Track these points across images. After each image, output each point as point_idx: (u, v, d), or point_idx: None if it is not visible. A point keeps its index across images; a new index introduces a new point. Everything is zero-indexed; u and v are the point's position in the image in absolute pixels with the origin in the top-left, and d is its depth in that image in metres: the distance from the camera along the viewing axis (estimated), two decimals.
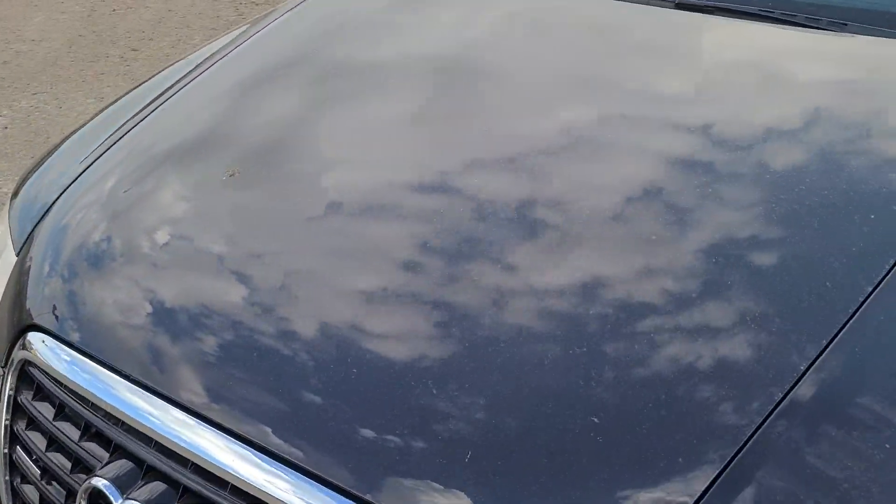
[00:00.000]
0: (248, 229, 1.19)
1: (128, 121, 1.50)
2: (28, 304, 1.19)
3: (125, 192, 1.31)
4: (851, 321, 0.93)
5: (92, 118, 1.67)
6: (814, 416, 0.87)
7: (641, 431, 0.88)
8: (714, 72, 1.49)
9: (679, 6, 1.63)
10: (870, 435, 0.87)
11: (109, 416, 1.04)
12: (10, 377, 1.13)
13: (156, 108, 1.52)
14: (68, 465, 1.06)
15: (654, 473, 0.85)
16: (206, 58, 1.68)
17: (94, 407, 1.05)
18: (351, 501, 0.86)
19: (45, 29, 4.89)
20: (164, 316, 1.11)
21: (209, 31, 4.94)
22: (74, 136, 1.61)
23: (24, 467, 1.11)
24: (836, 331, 0.92)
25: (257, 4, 5.48)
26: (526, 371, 0.94)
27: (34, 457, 1.10)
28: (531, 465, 0.87)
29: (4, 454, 1.14)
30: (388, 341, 1.01)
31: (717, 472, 0.83)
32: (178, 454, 0.96)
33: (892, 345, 0.93)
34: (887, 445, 0.84)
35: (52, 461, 1.07)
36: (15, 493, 1.14)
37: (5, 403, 1.13)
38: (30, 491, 1.12)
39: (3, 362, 1.15)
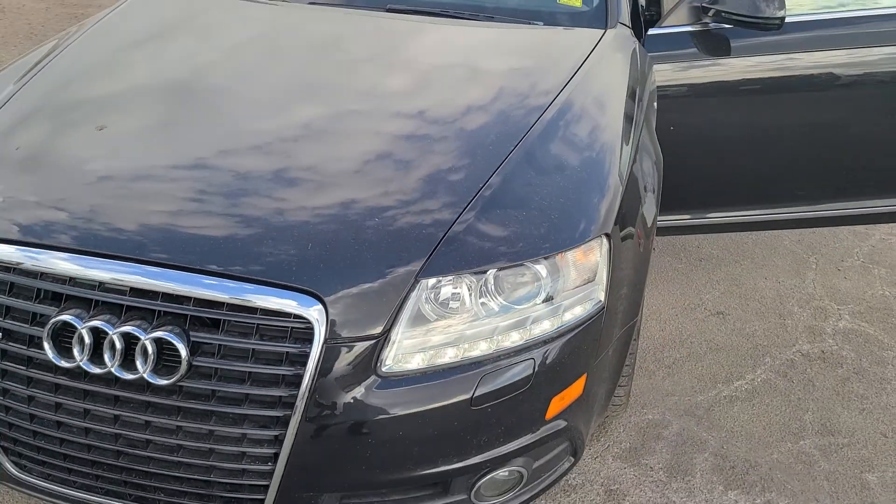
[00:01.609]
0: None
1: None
2: None
3: (17, 149, 1.80)
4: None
5: None
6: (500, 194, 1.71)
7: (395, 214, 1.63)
8: (414, 64, 2.29)
9: (390, 10, 2.45)
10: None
11: (50, 279, 1.55)
12: None
13: (22, 88, 2.08)
14: (27, 326, 1.55)
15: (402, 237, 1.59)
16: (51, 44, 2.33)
17: (37, 276, 1.56)
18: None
19: None
20: (64, 200, 1.69)
21: None
22: None
23: None
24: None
25: None
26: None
27: None
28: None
29: None
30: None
31: (446, 229, 1.60)
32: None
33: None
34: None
35: (12, 326, 1.56)
36: None
37: None
38: None
39: None
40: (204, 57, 2.29)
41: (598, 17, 2.55)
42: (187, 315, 1.52)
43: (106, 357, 1.51)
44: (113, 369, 1.51)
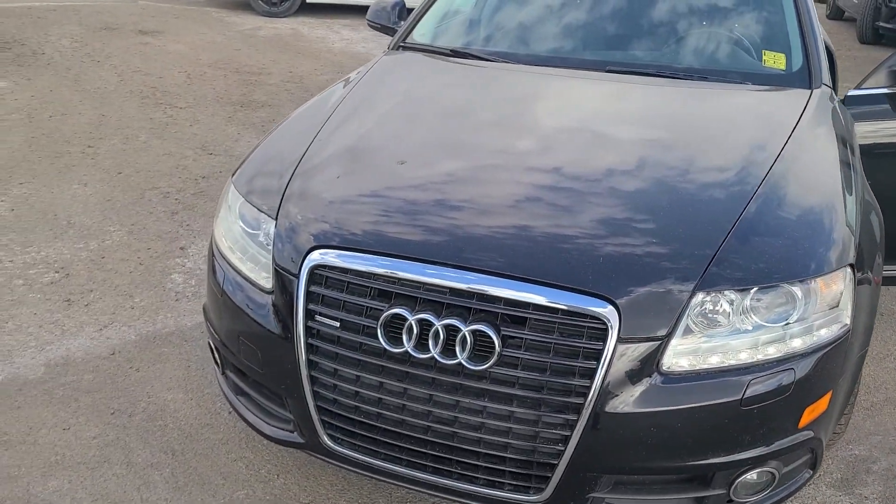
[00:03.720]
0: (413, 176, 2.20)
1: (303, 135, 2.45)
2: (304, 235, 2.00)
3: (337, 177, 2.17)
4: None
5: (269, 135, 2.59)
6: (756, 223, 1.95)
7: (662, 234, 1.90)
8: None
9: (609, 71, 2.76)
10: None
11: (381, 280, 1.87)
12: (303, 278, 1.93)
13: (322, 128, 2.47)
14: (360, 317, 1.88)
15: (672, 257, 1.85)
16: (336, 97, 2.74)
17: (370, 277, 1.88)
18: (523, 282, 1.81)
19: None
20: (385, 216, 2.02)
21: (148, 130, 5.63)
22: (264, 143, 2.53)
23: (324, 326, 1.91)
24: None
25: (181, 108, 6.23)
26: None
27: (332, 319, 1.90)
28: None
29: (304, 325, 1.92)
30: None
31: (716, 249, 1.85)
32: (429, 288, 1.84)
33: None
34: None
35: (347, 318, 1.89)
36: (311, 348, 1.93)
37: (303, 294, 1.93)
38: (328, 340, 1.91)
39: (297, 272, 1.95)
40: (475, 108, 2.66)
41: (803, 79, 2.79)
42: (497, 312, 1.81)
43: (430, 344, 1.81)
44: (436, 355, 1.81)
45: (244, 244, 2.19)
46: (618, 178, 2.16)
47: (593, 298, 1.78)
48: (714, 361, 1.82)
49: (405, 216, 2.03)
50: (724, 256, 1.86)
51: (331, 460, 2.06)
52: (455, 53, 3.06)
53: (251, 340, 2.08)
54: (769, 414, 1.82)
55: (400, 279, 1.87)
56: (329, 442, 2.02)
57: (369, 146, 2.38)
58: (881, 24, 10.39)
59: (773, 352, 1.84)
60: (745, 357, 1.82)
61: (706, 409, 1.78)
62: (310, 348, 1.95)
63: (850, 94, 2.90)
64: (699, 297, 1.81)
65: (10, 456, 2.39)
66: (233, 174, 2.42)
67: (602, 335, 1.76)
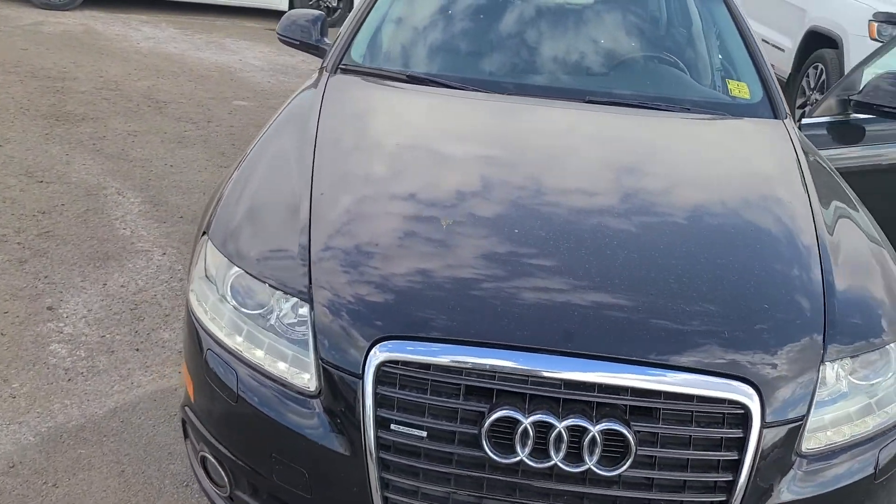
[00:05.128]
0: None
1: (292, 182, 2.01)
2: (363, 323, 1.59)
3: (376, 245, 1.76)
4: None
5: (233, 177, 2.11)
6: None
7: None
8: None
9: (589, 101, 2.57)
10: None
11: (474, 375, 1.53)
12: (369, 378, 1.53)
13: (314, 174, 2.01)
14: (451, 423, 1.52)
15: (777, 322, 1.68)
16: (300, 130, 2.28)
17: (460, 373, 1.52)
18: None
19: None
20: (461, 294, 1.68)
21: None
22: (233, 187, 2.05)
23: (403, 437, 1.52)
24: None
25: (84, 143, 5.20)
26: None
27: (415, 428, 1.52)
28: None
29: (376, 438, 1.52)
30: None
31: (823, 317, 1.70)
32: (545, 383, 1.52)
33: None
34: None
35: (434, 424, 1.52)
36: (384, 464, 1.54)
37: (371, 398, 1.53)
38: (408, 453, 1.54)
39: (360, 371, 1.54)
40: (476, 152, 2.32)
41: (767, 108, 2.77)
42: (624, 406, 1.54)
43: (551, 451, 1.50)
44: (559, 462, 1.50)
45: (251, 330, 1.71)
46: (683, 235, 1.95)
47: (728, 381, 1.56)
48: (831, 434, 1.68)
49: (486, 293, 1.67)
50: (833, 320, 1.72)
51: None
52: (413, 80, 2.68)
53: (293, 459, 1.62)
54: (892, 483, 1.72)
55: (500, 373, 1.54)
56: None
57: (392, 203, 1.98)
58: None
59: (887, 414, 1.73)
60: (854, 427, 1.70)
61: (848, 490, 1.64)
62: (383, 465, 1.56)
63: (804, 122, 2.96)
64: (825, 367, 1.66)
65: None
66: (205, 230, 1.91)
67: (743, 421, 1.56)
